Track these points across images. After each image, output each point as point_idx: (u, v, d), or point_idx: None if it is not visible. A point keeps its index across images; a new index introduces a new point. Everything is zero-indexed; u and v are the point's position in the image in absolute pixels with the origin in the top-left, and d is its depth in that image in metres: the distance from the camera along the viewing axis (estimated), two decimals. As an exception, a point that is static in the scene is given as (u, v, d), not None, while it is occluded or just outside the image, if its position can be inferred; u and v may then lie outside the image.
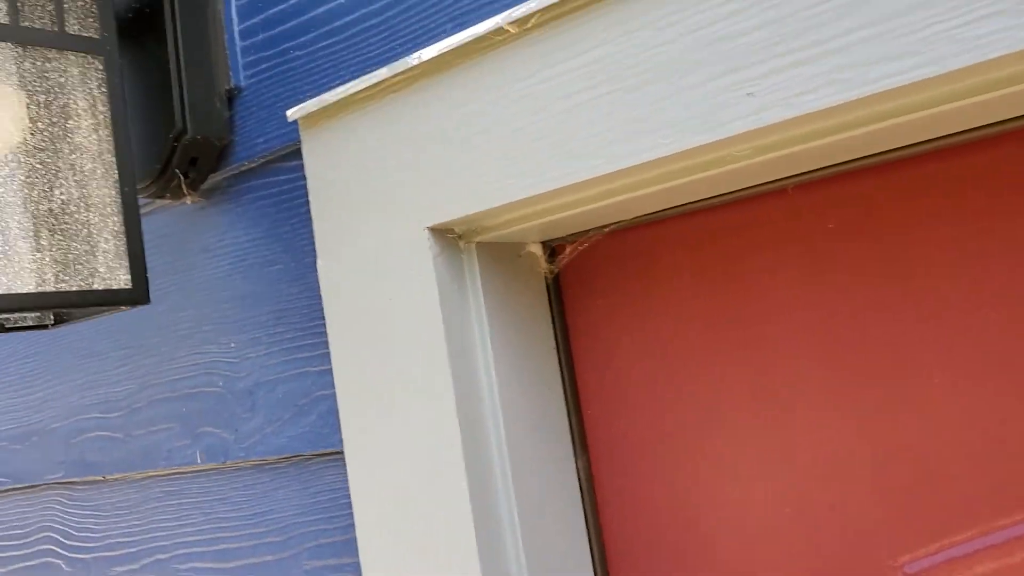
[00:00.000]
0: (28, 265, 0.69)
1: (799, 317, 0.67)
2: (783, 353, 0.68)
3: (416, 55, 0.68)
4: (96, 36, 0.76)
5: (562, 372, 0.77)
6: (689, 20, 0.56)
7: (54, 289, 0.70)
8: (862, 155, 0.62)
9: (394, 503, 0.73)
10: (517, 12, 0.63)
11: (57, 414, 1.07)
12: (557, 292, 0.78)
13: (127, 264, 0.75)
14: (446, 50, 0.66)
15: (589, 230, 0.74)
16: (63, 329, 1.06)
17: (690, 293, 0.72)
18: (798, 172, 0.64)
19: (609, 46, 0.60)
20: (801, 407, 0.67)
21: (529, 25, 0.63)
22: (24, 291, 0.68)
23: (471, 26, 0.67)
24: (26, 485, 1.11)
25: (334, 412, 0.80)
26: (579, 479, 0.77)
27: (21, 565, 1.14)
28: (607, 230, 0.74)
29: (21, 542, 1.14)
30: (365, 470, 0.74)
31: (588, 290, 0.77)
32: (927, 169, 0.62)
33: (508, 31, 0.64)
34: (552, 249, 0.77)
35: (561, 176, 0.62)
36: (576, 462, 0.77)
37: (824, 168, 0.64)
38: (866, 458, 0.65)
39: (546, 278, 0.78)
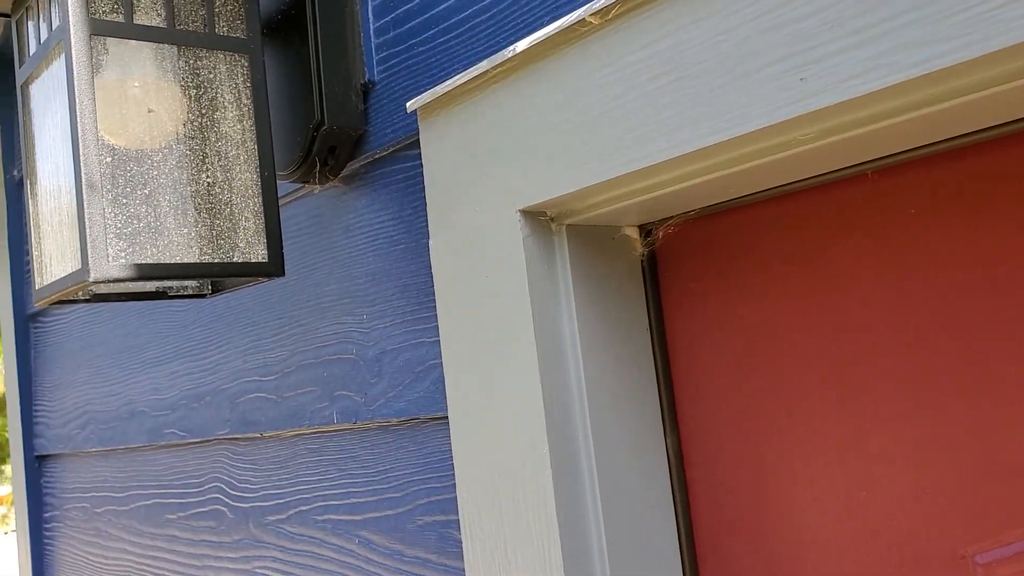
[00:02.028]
0: (175, 239, 0.79)
1: (879, 303, 0.67)
2: (863, 339, 0.68)
3: (511, 48, 0.73)
4: (243, 36, 0.85)
5: (654, 351, 0.80)
6: (748, 8, 0.58)
7: (197, 260, 0.80)
8: (935, 140, 0.61)
9: (488, 468, 0.78)
10: (598, 3, 0.66)
11: (226, 376, 1.20)
12: (653, 274, 0.81)
13: (265, 240, 0.84)
14: (536, 42, 0.71)
15: (680, 214, 0.77)
16: (231, 300, 1.18)
17: (777, 277, 0.73)
18: (874, 157, 0.64)
19: (679, 34, 0.62)
20: (878, 393, 0.67)
21: (610, 16, 0.67)
22: (170, 261, 0.78)
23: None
24: (201, 440, 1.25)
25: (443, 379, 0.86)
26: (668, 456, 0.79)
27: (196, 511, 1.28)
28: (694, 214, 0.76)
29: (197, 490, 1.28)
30: (464, 435, 0.80)
31: (683, 272, 0.79)
32: (1008, 154, 0.60)
33: (591, 22, 0.68)
34: (648, 232, 0.80)
35: (632, 160, 0.65)
36: (666, 440, 0.80)
37: (901, 153, 0.64)
38: (941, 447, 0.64)
39: (641, 260, 0.81)
